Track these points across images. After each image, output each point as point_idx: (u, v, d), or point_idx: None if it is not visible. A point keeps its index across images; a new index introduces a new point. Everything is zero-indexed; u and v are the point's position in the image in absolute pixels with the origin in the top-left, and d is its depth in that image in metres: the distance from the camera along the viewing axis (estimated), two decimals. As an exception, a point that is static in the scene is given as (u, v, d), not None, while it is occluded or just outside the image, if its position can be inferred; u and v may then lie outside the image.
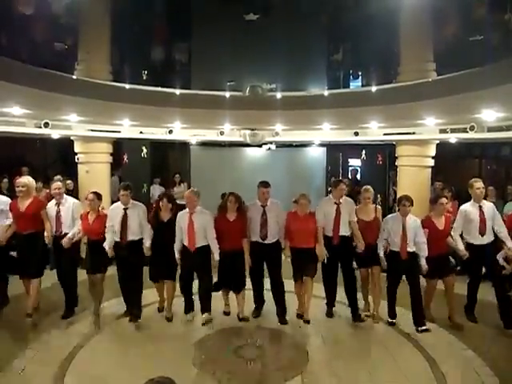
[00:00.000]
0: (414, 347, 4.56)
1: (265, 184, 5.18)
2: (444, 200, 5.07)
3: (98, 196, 5.22)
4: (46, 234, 5.11)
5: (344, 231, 5.14)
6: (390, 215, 5.22)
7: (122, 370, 3.98)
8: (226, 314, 5.35)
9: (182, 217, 5.05)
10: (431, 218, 5.08)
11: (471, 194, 5.11)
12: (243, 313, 5.26)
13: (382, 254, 5.07)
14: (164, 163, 10.85)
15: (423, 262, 4.89)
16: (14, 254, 5.30)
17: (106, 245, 5.02)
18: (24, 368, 3.98)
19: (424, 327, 4.91)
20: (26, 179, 5.18)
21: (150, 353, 4.33)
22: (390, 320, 5.14)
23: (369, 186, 5.38)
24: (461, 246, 5.08)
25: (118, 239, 5.07)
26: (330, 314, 5.38)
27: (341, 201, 5.17)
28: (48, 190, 6.44)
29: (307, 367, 4.14)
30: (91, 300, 5.35)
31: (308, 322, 5.13)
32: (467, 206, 5.17)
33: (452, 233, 5.15)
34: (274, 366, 4.15)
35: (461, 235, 5.20)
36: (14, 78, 4.73)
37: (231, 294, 5.35)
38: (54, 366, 4.00)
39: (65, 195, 5.39)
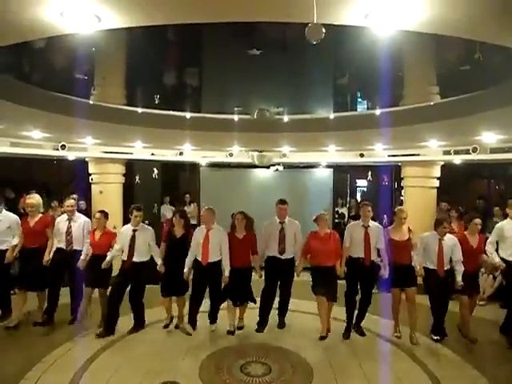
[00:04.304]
0: (419, 367, 4.57)
1: (282, 201, 5.56)
2: (478, 221, 5.25)
3: (105, 215, 5.47)
4: (46, 252, 5.35)
5: (372, 255, 5.28)
6: (426, 233, 5.27)
7: (131, 385, 4.08)
8: (230, 333, 5.38)
9: (199, 232, 5.30)
10: (465, 236, 5.24)
11: (509, 213, 5.35)
12: (242, 322, 5.47)
13: (418, 267, 5.13)
14: (174, 184, 11.07)
15: (459, 278, 5.00)
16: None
17: (107, 258, 5.21)
18: (38, 380, 4.11)
19: (437, 337, 5.09)
20: (34, 200, 5.49)
21: (158, 368, 4.42)
22: (434, 337, 5.18)
23: (402, 207, 5.53)
24: (496, 258, 5.23)
25: (124, 258, 5.25)
26: (348, 336, 5.40)
27: (369, 224, 5.33)
28: (62, 209, 6.69)
29: (312, 384, 4.19)
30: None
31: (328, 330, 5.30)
32: (503, 223, 5.37)
33: (487, 247, 5.31)
34: (279, 382, 4.22)
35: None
36: (35, 103, 5.01)
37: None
38: (66, 379, 4.11)
39: (77, 213, 5.64)
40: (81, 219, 5.58)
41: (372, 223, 5.39)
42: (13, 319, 5.33)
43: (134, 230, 5.25)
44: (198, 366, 4.51)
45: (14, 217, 5.51)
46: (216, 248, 5.20)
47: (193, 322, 5.44)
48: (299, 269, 5.43)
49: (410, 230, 5.32)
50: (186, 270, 5.22)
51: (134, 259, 5.20)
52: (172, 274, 5.27)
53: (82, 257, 5.35)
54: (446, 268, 5.07)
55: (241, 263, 5.25)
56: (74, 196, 7.92)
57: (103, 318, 5.40)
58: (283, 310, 5.63)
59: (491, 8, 2.23)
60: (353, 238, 5.30)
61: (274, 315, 5.66)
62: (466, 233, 5.33)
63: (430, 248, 5.11)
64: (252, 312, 5.58)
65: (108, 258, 5.23)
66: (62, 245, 5.44)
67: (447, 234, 5.13)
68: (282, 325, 5.61)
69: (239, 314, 5.50)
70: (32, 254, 5.36)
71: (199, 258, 5.23)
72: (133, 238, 5.21)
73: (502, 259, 5.29)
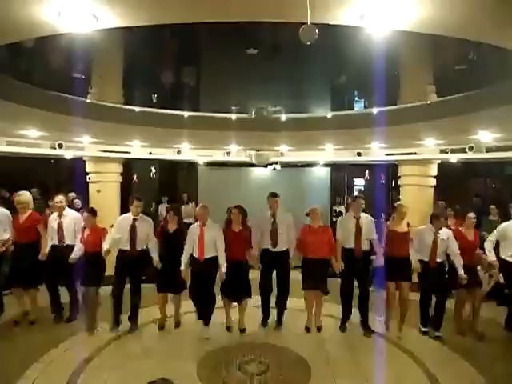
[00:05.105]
0: (417, 365, 4.60)
1: (274, 194, 5.61)
2: (472, 215, 5.40)
3: (94, 213, 5.40)
4: (42, 248, 5.41)
5: (363, 245, 5.37)
6: (422, 226, 5.40)
7: None
8: (228, 329, 5.45)
9: (194, 229, 5.28)
10: (461, 230, 5.37)
11: None
12: (243, 324, 5.45)
13: (414, 262, 5.24)
14: (172, 183, 11.07)
15: (461, 272, 5.07)
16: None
17: (105, 247, 5.15)
18: (35, 379, 4.12)
19: (438, 333, 5.20)
20: (24, 197, 5.52)
21: (156, 367, 4.42)
22: (422, 329, 5.35)
23: (400, 202, 5.65)
24: (492, 257, 5.32)
25: (125, 248, 5.25)
26: (344, 328, 5.52)
27: (360, 215, 5.42)
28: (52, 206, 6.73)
29: (310, 383, 4.21)
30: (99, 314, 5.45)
31: (319, 328, 5.46)
32: (508, 223, 5.42)
33: (485, 245, 5.41)
34: (277, 381, 4.25)
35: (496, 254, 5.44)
36: (32, 102, 5.00)
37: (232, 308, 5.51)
38: (63, 379, 4.13)
39: (67, 209, 5.68)
40: (71, 215, 5.63)
41: (363, 214, 5.48)
42: (31, 315, 5.45)
43: (134, 220, 5.30)
44: (196, 364, 4.53)
45: (4, 211, 5.52)
46: (211, 244, 5.17)
47: (206, 319, 5.29)
48: (294, 261, 5.51)
49: (408, 225, 5.42)
50: (182, 267, 5.20)
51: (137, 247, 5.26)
52: (167, 270, 5.28)
53: (74, 250, 5.30)
54: (439, 260, 5.20)
55: (238, 256, 5.27)
56: (72, 194, 7.94)
57: (93, 318, 5.34)
58: (281, 306, 5.61)
59: (486, 8, 2.25)
60: (344, 229, 5.39)
61: (272, 312, 5.68)
62: (461, 228, 5.43)
63: (425, 241, 5.22)
64: (248, 310, 5.58)
65: (106, 247, 5.15)
66: (55, 241, 5.50)
67: (442, 228, 5.24)
68: (279, 322, 5.61)
69: (239, 316, 5.47)
70: (23, 250, 5.40)
71: (195, 255, 5.21)
72: (133, 227, 5.26)
73: (503, 259, 5.33)
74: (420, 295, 5.32)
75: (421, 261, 5.26)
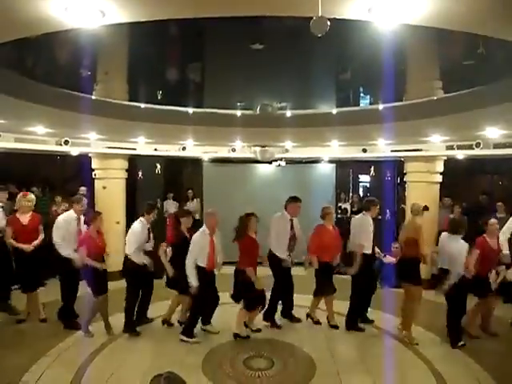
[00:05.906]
0: (422, 362, 4.60)
1: (299, 199, 5.48)
2: (494, 221, 5.18)
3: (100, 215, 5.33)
4: (33, 243, 5.35)
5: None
6: (446, 233, 5.11)
7: (135, 379, 4.12)
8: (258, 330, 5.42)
9: (202, 238, 4.98)
10: (485, 238, 5.13)
11: None
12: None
13: (434, 270, 5.25)
14: (177, 179, 11.08)
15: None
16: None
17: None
18: (42, 373, 4.16)
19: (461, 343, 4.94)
20: (30, 197, 5.58)
21: (162, 362, 4.45)
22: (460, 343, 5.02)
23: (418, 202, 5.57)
24: (505, 251, 5.23)
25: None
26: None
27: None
28: (67, 204, 6.74)
29: (314, 379, 4.22)
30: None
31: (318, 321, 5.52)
32: None
33: (500, 236, 5.26)
34: (281, 377, 4.26)
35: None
36: (38, 98, 5.02)
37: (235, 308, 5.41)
38: (70, 373, 4.17)
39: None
40: None
41: None
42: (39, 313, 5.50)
43: (149, 229, 5.43)
44: (201, 360, 4.56)
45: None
46: (219, 251, 5.15)
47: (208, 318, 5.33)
48: (307, 265, 5.42)
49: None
50: (194, 283, 4.86)
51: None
52: (179, 273, 5.18)
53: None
54: None
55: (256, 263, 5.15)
56: (83, 188, 7.97)
57: (107, 323, 5.29)
58: (274, 305, 5.61)
59: (496, 1, 2.22)
60: (369, 233, 5.20)
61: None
62: (485, 235, 5.18)
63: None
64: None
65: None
66: (71, 249, 5.16)
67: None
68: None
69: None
70: (26, 253, 5.32)
71: (202, 265, 4.94)
72: (149, 234, 5.40)
73: None
74: (457, 307, 4.98)
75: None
